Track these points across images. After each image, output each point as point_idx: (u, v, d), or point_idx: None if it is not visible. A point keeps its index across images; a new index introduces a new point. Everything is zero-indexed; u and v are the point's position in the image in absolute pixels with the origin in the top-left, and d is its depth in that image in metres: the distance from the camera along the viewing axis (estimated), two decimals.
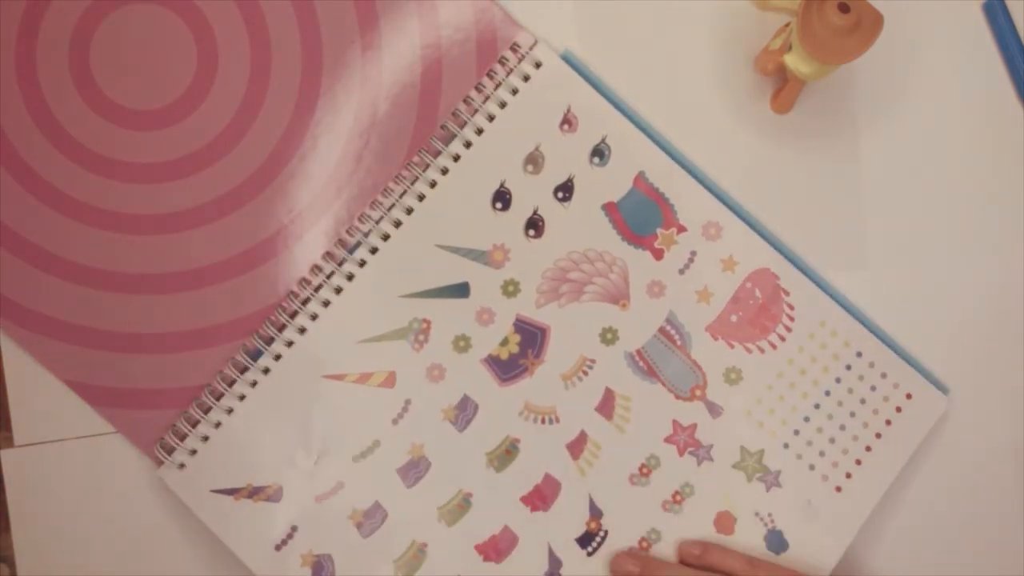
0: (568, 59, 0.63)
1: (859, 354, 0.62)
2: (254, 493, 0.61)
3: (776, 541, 0.62)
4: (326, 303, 0.61)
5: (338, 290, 0.61)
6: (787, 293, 0.62)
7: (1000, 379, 0.64)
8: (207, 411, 0.61)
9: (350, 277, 0.61)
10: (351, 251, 0.62)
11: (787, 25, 0.61)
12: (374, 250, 0.61)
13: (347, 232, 0.62)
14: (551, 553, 0.61)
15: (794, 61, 0.59)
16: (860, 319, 0.62)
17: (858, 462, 0.62)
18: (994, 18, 0.64)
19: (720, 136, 0.64)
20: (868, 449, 0.62)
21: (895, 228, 0.64)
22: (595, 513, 0.61)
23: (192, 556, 0.62)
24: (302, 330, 0.61)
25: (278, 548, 0.61)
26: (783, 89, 0.63)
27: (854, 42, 0.56)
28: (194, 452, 0.61)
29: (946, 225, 0.64)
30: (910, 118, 0.64)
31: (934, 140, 0.64)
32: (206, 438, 0.61)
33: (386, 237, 0.61)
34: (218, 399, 0.61)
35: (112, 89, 0.62)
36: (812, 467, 0.62)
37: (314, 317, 0.61)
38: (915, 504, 0.63)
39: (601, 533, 0.61)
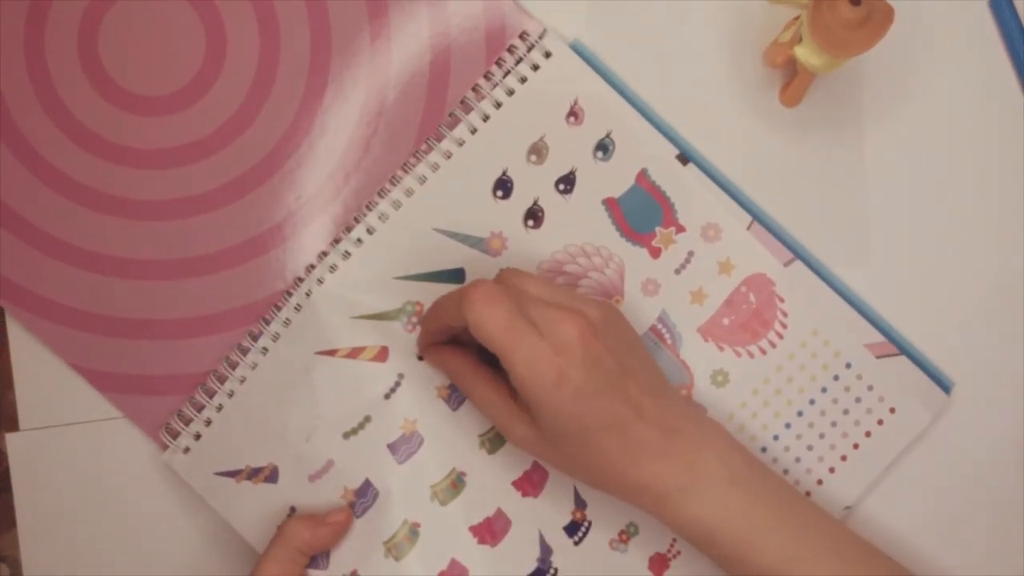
0: (577, 48, 0.62)
1: (848, 365, 0.62)
2: (253, 475, 0.61)
3: None
4: (320, 281, 0.61)
5: (333, 268, 0.61)
6: (782, 300, 0.62)
7: (1004, 374, 0.64)
8: (212, 396, 0.62)
9: (347, 255, 0.62)
10: (349, 231, 0.62)
11: (797, 18, 0.60)
12: (372, 230, 0.62)
13: (355, 219, 0.62)
14: (542, 540, 0.62)
15: (804, 54, 0.58)
16: (861, 310, 0.62)
17: (832, 470, 0.63)
18: (1000, 15, 0.64)
19: (728, 128, 0.64)
20: (844, 459, 0.63)
21: (900, 222, 0.64)
22: (580, 504, 0.62)
23: (196, 538, 0.63)
24: (298, 307, 0.61)
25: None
26: (792, 82, 0.62)
27: (864, 35, 0.55)
28: (198, 436, 0.61)
29: (951, 220, 0.64)
30: (917, 113, 0.64)
31: (940, 135, 0.64)
32: (209, 422, 0.61)
33: (385, 217, 0.62)
34: (223, 384, 0.62)
35: (121, 75, 0.62)
36: (786, 471, 0.63)
37: (308, 294, 0.61)
38: (918, 497, 0.64)
39: (586, 524, 0.62)
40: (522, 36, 0.62)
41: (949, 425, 0.64)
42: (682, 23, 0.64)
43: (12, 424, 0.63)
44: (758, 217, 0.62)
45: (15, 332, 0.62)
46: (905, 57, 0.64)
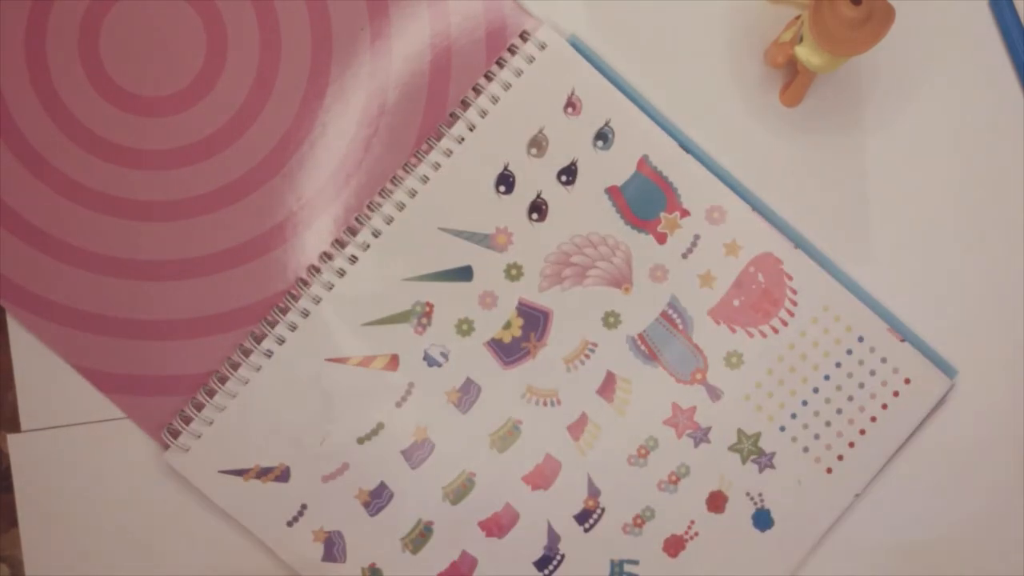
0: (575, 45, 0.63)
1: (861, 339, 0.62)
2: (262, 474, 0.61)
3: (763, 519, 0.63)
4: (329, 286, 0.61)
5: (341, 273, 0.61)
6: (790, 278, 0.62)
7: (1008, 362, 0.64)
8: (214, 396, 0.61)
9: (353, 260, 0.61)
10: (355, 234, 0.62)
11: (797, 18, 0.61)
12: (377, 233, 0.61)
13: (356, 219, 0.62)
14: (550, 529, 0.62)
15: (805, 53, 0.59)
16: (866, 301, 0.62)
17: (851, 444, 0.62)
18: (1001, 14, 0.65)
19: (729, 128, 0.64)
20: (863, 432, 0.62)
21: (901, 221, 0.64)
22: (593, 492, 0.62)
23: (197, 539, 0.63)
24: (305, 313, 0.61)
25: (290, 524, 0.61)
26: (793, 82, 0.63)
27: (865, 34, 0.55)
28: (200, 436, 0.61)
29: (951, 219, 0.64)
30: (917, 113, 0.64)
31: (940, 135, 0.64)
32: (211, 422, 0.61)
33: (389, 220, 0.61)
34: (224, 385, 0.61)
35: (121, 75, 0.62)
36: (806, 449, 0.62)
37: (317, 300, 0.61)
38: (919, 485, 0.63)
39: (598, 511, 0.62)
40: (523, 35, 0.63)
41: (951, 415, 0.63)
42: (682, 23, 0.64)
43: (13, 425, 0.62)
44: (756, 207, 0.63)
45: (16, 332, 0.62)
46: (905, 57, 0.64)
